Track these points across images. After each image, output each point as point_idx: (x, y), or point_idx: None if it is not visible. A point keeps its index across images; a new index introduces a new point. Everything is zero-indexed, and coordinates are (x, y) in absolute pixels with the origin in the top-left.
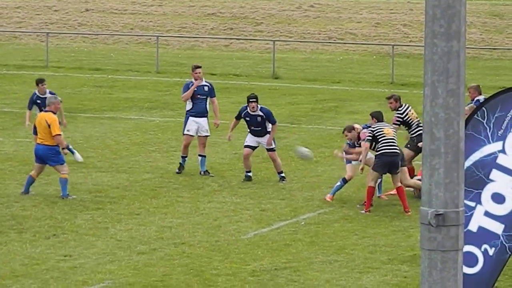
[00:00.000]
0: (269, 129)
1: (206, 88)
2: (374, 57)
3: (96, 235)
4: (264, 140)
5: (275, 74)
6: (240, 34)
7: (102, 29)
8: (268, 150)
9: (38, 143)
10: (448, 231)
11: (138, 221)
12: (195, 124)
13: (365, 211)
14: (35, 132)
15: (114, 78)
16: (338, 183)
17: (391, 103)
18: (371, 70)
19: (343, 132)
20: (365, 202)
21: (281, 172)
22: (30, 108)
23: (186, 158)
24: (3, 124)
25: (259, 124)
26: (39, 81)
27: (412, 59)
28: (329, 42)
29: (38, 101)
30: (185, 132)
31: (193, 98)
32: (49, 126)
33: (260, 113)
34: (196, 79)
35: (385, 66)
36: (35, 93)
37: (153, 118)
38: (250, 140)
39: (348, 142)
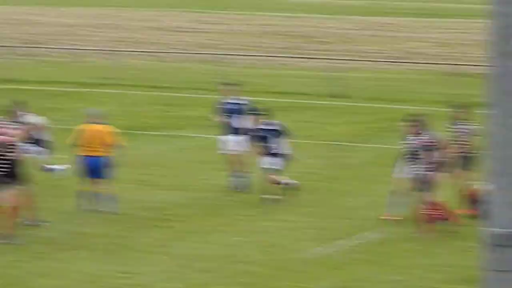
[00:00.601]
0: None
1: (239, 106)
2: (436, 76)
3: (157, 253)
4: None
5: (335, 92)
6: (300, 52)
7: (165, 47)
8: None
9: (90, 155)
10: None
11: (199, 239)
12: (230, 143)
13: (425, 233)
14: (81, 145)
15: (175, 96)
16: (391, 199)
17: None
18: (433, 89)
19: (405, 122)
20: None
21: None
22: None
23: (240, 176)
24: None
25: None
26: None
27: (475, 78)
28: (391, 61)
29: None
30: (223, 152)
31: (226, 116)
32: (106, 137)
33: None
34: (225, 96)
35: (447, 86)
36: None
37: (213, 136)
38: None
39: (406, 136)
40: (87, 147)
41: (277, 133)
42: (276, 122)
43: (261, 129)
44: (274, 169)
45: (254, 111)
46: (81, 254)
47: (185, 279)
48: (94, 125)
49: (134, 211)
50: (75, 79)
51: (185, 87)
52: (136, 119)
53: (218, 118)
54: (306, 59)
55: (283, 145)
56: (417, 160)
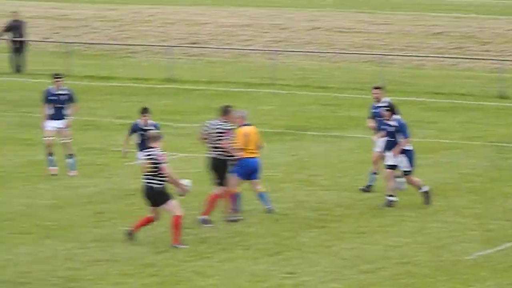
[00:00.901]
0: None
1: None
2: None
3: (320, 253)
4: None
5: (502, 93)
6: (467, 53)
7: (329, 47)
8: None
9: (251, 157)
10: None
11: (362, 240)
12: (378, 144)
13: None
14: (245, 147)
15: (340, 97)
16: None
17: None
18: None
19: None
20: None
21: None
22: (130, 135)
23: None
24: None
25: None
26: (143, 112)
27: None
28: None
29: (141, 132)
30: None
31: (375, 119)
32: (258, 138)
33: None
34: (376, 99)
35: None
36: (137, 124)
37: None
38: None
39: None
40: (249, 149)
41: (395, 129)
42: (397, 118)
43: (388, 125)
44: (403, 168)
45: (385, 108)
46: (245, 254)
47: (348, 279)
48: (250, 127)
49: (296, 211)
50: (239, 79)
51: (351, 87)
52: (301, 119)
53: (370, 122)
54: (473, 60)
55: (402, 143)
56: None
